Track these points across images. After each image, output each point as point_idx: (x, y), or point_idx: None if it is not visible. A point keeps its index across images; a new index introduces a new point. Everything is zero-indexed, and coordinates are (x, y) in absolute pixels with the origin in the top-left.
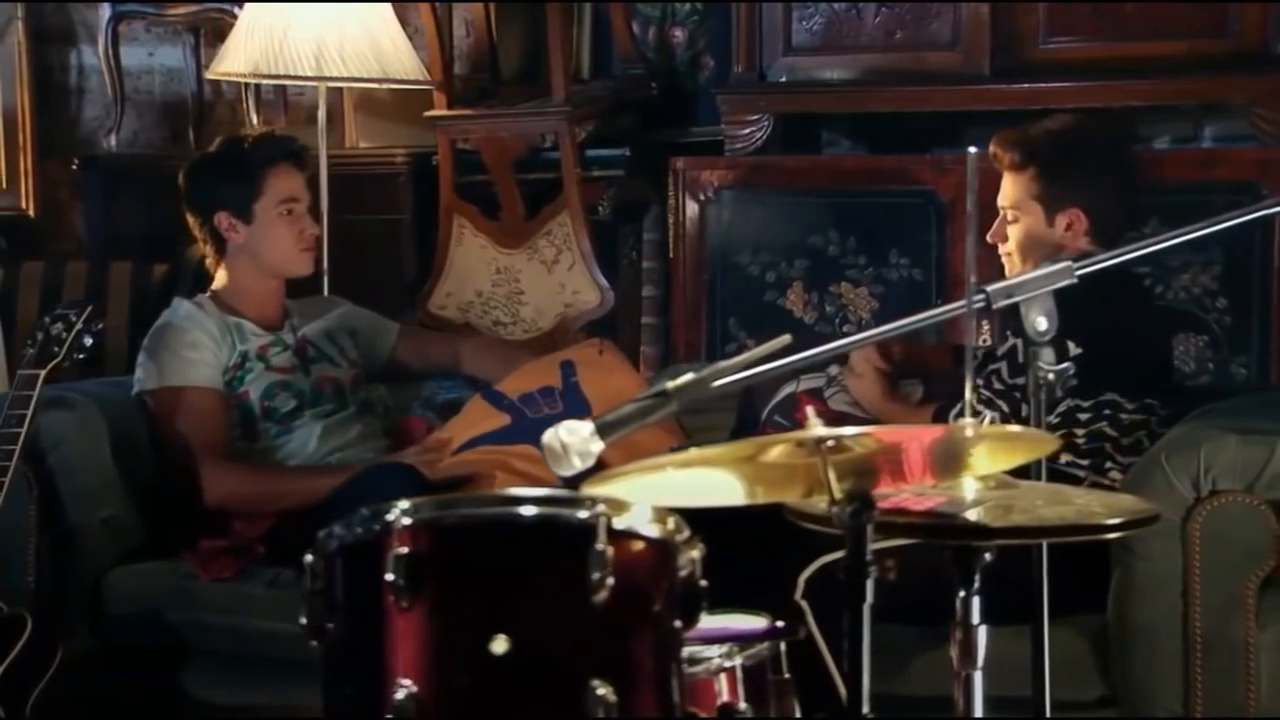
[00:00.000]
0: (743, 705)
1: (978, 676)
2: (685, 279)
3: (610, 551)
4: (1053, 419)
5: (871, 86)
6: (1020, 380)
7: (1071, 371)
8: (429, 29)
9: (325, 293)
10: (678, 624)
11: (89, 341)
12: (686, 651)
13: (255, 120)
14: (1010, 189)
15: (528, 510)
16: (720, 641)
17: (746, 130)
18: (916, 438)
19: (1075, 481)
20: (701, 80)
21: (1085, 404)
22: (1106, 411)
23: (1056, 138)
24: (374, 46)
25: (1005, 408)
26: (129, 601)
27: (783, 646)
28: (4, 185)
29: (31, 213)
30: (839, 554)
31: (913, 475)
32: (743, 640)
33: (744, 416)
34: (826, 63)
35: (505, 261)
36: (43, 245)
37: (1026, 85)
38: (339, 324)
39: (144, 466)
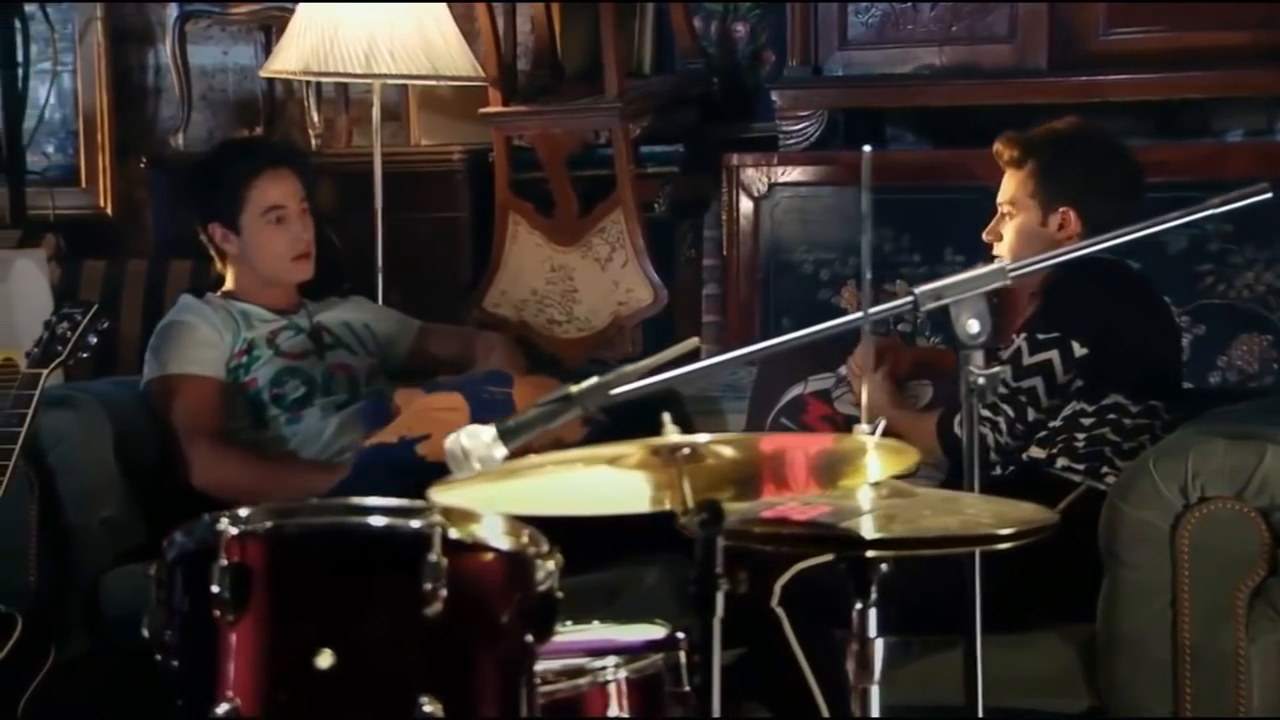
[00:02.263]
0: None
1: (875, 691)
2: (739, 277)
3: (445, 563)
4: (1056, 423)
5: (926, 81)
6: (1025, 383)
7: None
8: (484, 25)
9: (380, 291)
10: (529, 638)
11: (94, 340)
12: (570, 665)
13: (316, 119)
14: (1008, 185)
15: (358, 520)
16: (602, 654)
17: (800, 125)
18: (797, 446)
19: (1070, 486)
20: (763, 75)
21: (1090, 408)
22: (1111, 416)
23: (1057, 135)
24: (425, 43)
25: (1011, 412)
26: (126, 603)
27: (683, 658)
28: (83, 184)
29: (110, 211)
30: (820, 559)
31: (796, 484)
32: (626, 652)
33: (754, 418)
34: (882, 57)
35: (560, 259)
36: (121, 244)
37: (1085, 78)
38: (356, 314)
39: (148, 467)
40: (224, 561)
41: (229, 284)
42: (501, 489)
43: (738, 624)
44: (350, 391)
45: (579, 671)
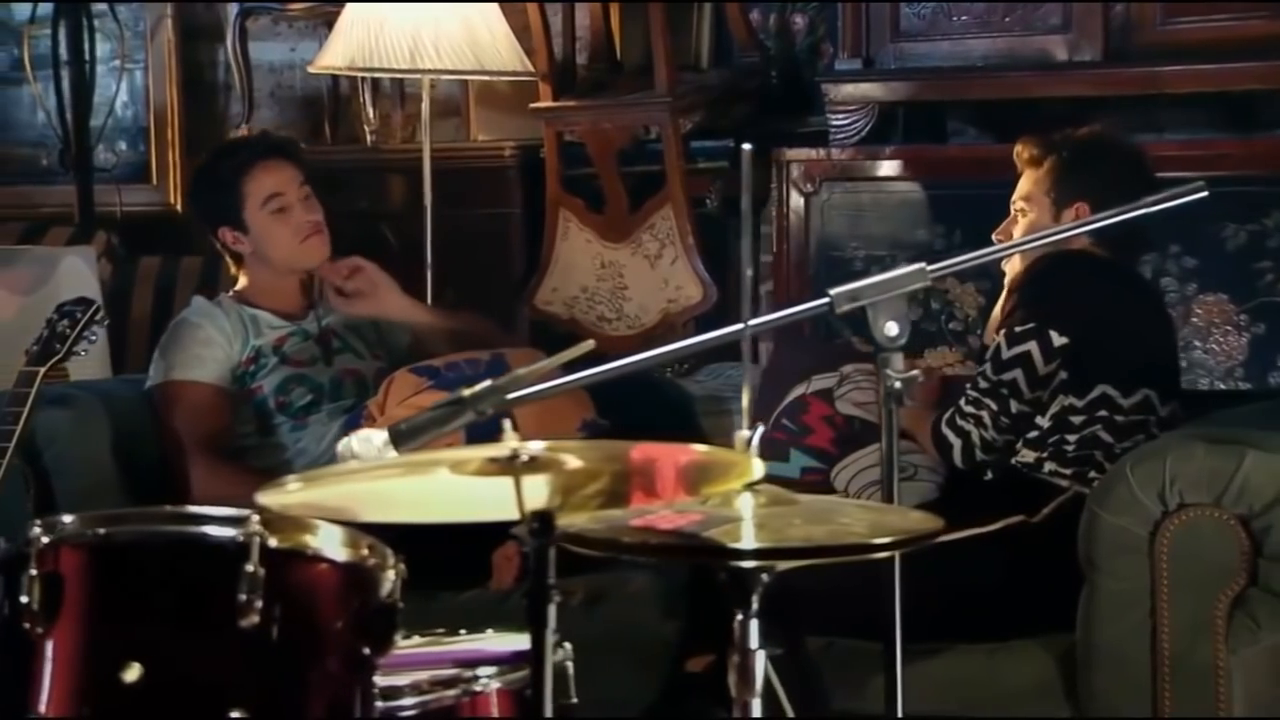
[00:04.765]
0: None
1: (756, 704)
2: (788, 274)
3: (263, 574)
4: (1046, 423)
5: (978, 73)
6: (1005, 375)
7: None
8: (534, 20)
9: (430, 287)
10: (365, 650)
11: (94, 339)
12: (444, 675)
13: (371, 114)
14: (1024, 184)
15: (174, 529)
16: (476, 664)
17: (850, 120)
18: (665, 455)
19: (1058, 490)
20: (820, 68)
21: (1079, 403)
22: (1101, 413)
23: (1078, 138)
24: (471, 39)
25: (994, 405)
26: None
27: (570, 669)
28: (154, 181)
29: (179, 208)
30: (785, 564)
31: (664, 491)
32: (506, 662)
33: (757, 419)
34: (935, 49)
35: (610, 256)
36: (190, 241)
37: (1143, 69)
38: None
39: (148, 466)
40: (33, 571)
41: (241, 284)
42: (349, 494)
43: (709, 632)
44: (359, 395)
45: (453, 681)
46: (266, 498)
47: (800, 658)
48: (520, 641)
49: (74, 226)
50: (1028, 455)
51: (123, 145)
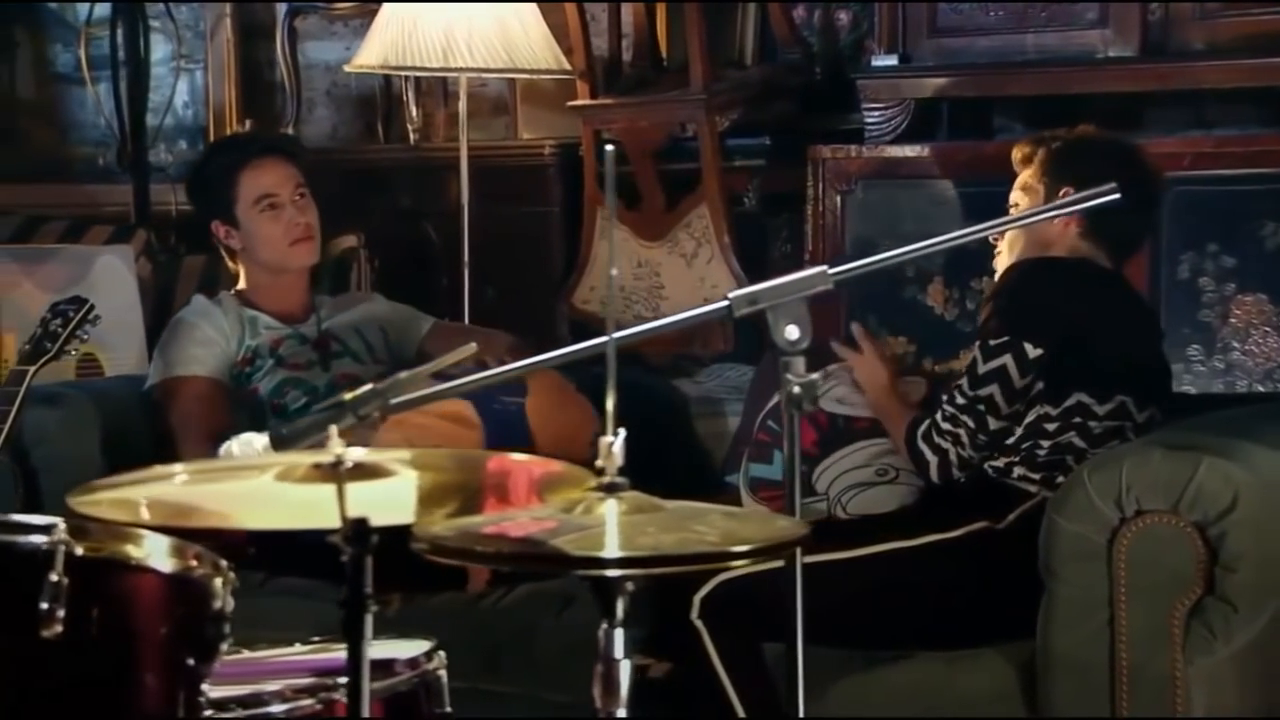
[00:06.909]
0: None
1: (621, 714)
2: None
3: (66, 583)
4: (1020, 430)
5: (1013, 69)
6: (982, 391)
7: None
8: (571, 18)
9: (467, 285)
10: (190, 661)
11: (86, 337)
12: (310, 683)
13: (415, 113)
14: (1018, 184)
15: None
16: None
17: (886, 117)
18: (520, 465)
19: (1027, 496)
20: (863, 65)
21: (1054, 411)
22: (1076, 420)
23: (1071, 135)
24: (504, 37)
25: (971, 423)
26: None
27: (444, 677)
28: None
29: None
30: (739, 571)
31: (518, 498)
32: (378, 669)
33: (747, 418)
34: (972, 45)
35: (646, 255)
36: None
37: (1182, 64)
38: (368, 318)
39: (139, 466)
40: None
41: (240, 283)
42: (177, 495)
43: (664, 639)
44: None
45: (318, 689)
46: (75, 502)
47: (755, 663)
48: (402, 649)
49: (114, 225)
50: (999, 460)
51: (182, 144)
